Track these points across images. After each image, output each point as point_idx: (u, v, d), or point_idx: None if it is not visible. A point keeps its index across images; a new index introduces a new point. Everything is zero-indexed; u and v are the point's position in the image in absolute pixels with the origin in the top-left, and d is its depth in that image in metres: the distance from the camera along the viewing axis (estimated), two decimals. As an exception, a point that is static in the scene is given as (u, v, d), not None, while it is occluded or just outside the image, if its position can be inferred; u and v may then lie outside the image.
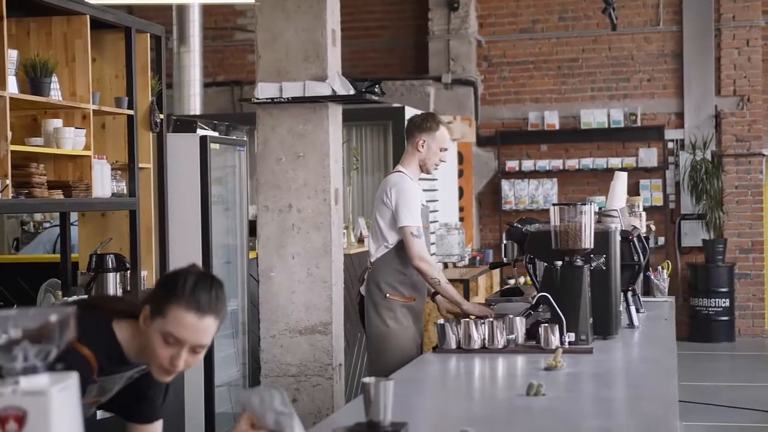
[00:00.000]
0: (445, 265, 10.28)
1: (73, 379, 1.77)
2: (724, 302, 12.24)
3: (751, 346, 12.17)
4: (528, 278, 10.99)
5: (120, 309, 2.71)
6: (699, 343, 12.11)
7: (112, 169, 5.48)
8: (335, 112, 5.93)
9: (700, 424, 8.15)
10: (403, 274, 5.21)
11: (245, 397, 2.50)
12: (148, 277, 5.86)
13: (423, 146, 5.27)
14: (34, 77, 4.79)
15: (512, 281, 11.84)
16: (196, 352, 2.59)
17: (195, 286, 2.58)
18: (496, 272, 11.19)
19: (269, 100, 5.73)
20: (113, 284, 5.37)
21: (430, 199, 10.32)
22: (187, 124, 6.64)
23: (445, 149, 5.34)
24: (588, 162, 12.77)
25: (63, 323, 1.75)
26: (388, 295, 5.21)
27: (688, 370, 10.18)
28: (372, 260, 5.30)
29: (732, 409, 8.62)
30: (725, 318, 12.27)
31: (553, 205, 4.44)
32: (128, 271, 5.55)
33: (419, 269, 5.11)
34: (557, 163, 12.84)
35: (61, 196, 4.95)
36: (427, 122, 5.32)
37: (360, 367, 7.55)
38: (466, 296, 8.93)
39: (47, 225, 8.54)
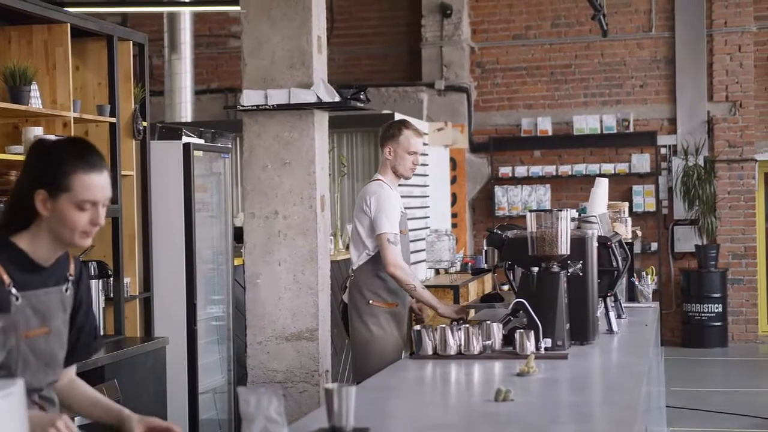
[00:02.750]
0: (436, 271, 10.30)
1: (17, 386, 1.79)
2: (717, 308, 12.25)
3: (743, 351, 12.17)
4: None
5: (8, 225, 2.73)
6: (692, 349, 12.12)
7: (95, 177, 5.49)
8: (321, 119, 5.95)
9: (691, 430, 8.16)
10: (385, 280, 5.30)
11: (245, 394, 2.53)
12: (131, 284, 5.88)
13: (391, 153, 5.43)
14: (13, 85, 4.81)
15: (506, 287, 11.83)
16: (104, 206, 2.74)
17: (80, 152, 2.69)
18: (488, 278, 11.20)
19: (255, 107, 5.75)
20: (96, 291, 5.38)
21: (421, 206, 10.37)
22: (172, 132, 6.65)
23: (414, 152, 5.44)
24: (581, 168, 12.79)
25: (7, 329, 1.77)
26: (371, 301, 5.32)
27: (680, 376, 10.18)
28: (354, 267, 5.41)
29: (723, 414, 8.62)
30: (718, 323, 12.28)
31: (530, 211, 4.46)
32: (111, 278, 5.57)
33: (394, 276, 5.21)
34: (550, 169, 12.85)
35: (42, 204, 4.96)
36: (390, 130, 5.47)
37: (347, 373, 7.56)
38: (456, 302, 8.94)
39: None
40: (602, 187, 5.57)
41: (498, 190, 12.96)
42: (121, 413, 2.87)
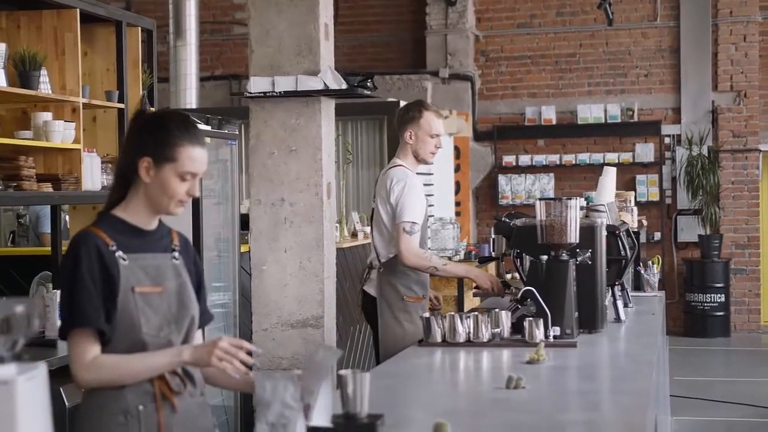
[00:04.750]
0: (440, 260, 10.28)
1: (40, 369, 1.79)
2: (720, 297, 12.27)
3: (746, 341, 12.20)
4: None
5: (112, 202, 2.90)
6: (694, 338, 12.14)
7: (103, 162, 5.49)
8: (327, 106, 5.94)
9: (693, 419, 8.18)
10: (417, 272, 5.14)
11: (261, 379, 2.56)
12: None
13: (411, 137, 5.21)
14: (23, 70, 4.81)
15: (509, 276, 11.83)
16: (198, 178, 2.88)
17: (186, 125, 2.86)
18: (492, 266, 11.21)
19: (262, 94, 5.75)
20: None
21: (426, 194, 10.35)
22: (179, 118, 6.63)
23: (436, 135, 5.22)
24: (585, 157, 12.79)
25: (29, 314, 1.77)
26: (405, 297, 5.12)
27: (682, 365, 10.20)
28: (382, 260, 5.17)
29: (725, 403, 8.64)
30: (721, 313, 12.30)
31: (539, 199, 4.45)
32: (119, 264, 5.56)
33: (410, 266, 5.04)
34: (554, 158, 12.86)
35: (51, 189, 4.97)
36: (409, 112, 5.25)
37: (352, 360, 7.57)
38: (461, 290, 8.92)
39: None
40: (610, 175, 5.56)
41: (501, 179, 12.96)
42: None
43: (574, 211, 4.39)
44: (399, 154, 5.31)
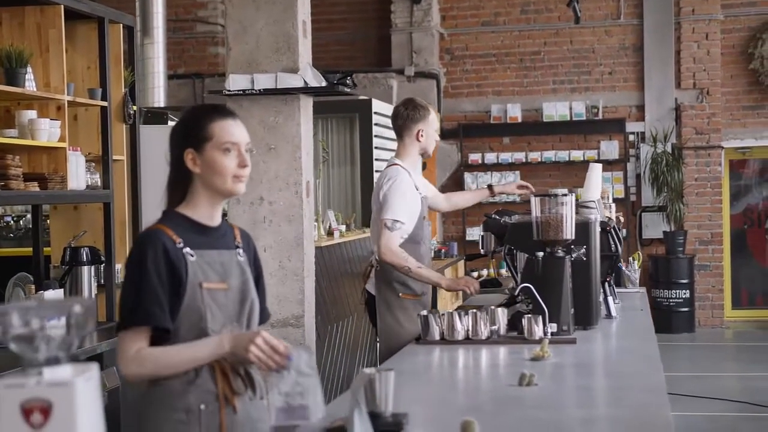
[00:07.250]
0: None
1: (95, 370, 1.76)
2: (684, 293, 12.38)
3: (710, 336, 12.32)
4: (492, 270, 11.04)
5: (174, 201, 2.90)
6: (659, 334, 11.98)
7: (86, 161, 5.41)
8: (306, 104, 5.91)
9: (672, 414, 8.22)
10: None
11: None
12: (123, 270, 5.80)
13: (422, 135, 5.18)
14: (9, 68, 4.71)
15: (475, 273, 11.87)
16: (248, 151, 2.86)
17: (213, 107, 2.91)
18: (461, 264, 11.25)
19: (240, 92, 5.70)
20: (87, 277, 5.31)
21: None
22: (157, 116, 6.58)
23: (436, 129, 5.27)
24: (550, 155, 12.84)
25: (86, 313, 1.73)
26: (401, 294, 5.09)
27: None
28: (378, 258, 5.11)
29: (691, 398, 8.71)
30: (685, 309, 12.41)
31: (535, 196, 4.45)
32: (103, 264, 5.49)
33: (386, 262, 5.01)
34: (520, 156, 12.90)
35: (37, 189, 4.88)
36: (418, 111, 5.19)
37: (330, 360, 7.53)
38: (434, 289, 8.91)
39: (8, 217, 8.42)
40: (596, 172, 5.58)
41: (468, 177, 12.98)
42: None
43: (570, 208, 4.40)
44: (399, 154, 5.23)
